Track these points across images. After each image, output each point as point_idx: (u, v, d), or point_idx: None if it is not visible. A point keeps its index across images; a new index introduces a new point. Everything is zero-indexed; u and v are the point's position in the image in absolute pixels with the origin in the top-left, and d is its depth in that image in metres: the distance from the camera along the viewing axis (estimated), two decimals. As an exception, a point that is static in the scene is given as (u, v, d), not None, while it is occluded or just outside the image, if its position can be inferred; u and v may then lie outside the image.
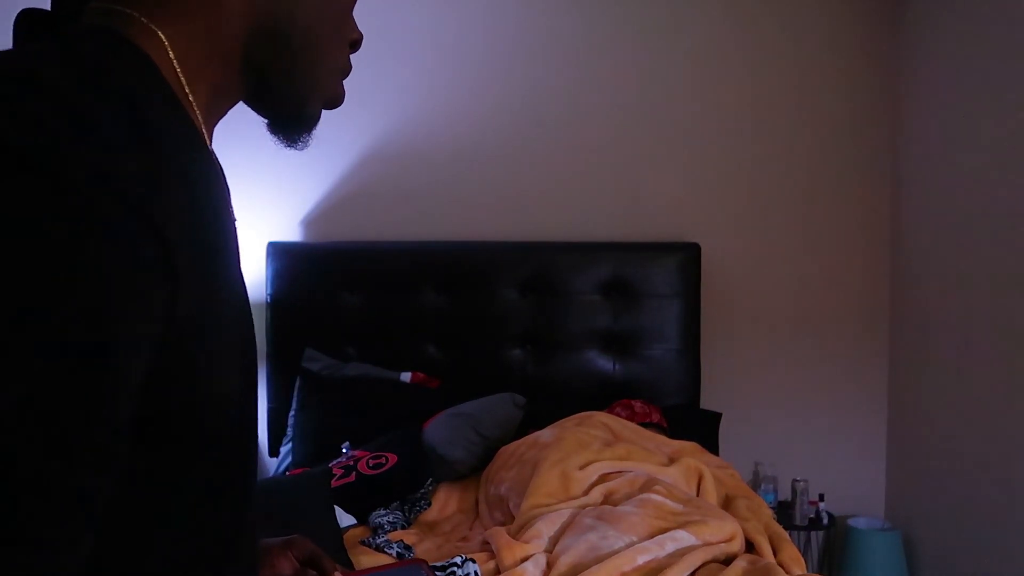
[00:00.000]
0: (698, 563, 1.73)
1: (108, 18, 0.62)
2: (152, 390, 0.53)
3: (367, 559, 1.95)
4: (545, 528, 1.87)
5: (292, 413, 2.74)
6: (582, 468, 2.10)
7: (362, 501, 2.26)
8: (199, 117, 0.65)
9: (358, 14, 0.75)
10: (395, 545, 2.00)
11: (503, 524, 2.06)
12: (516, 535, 1.88)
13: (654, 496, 1.92)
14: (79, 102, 0.51)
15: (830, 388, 3.17)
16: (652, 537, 1.78)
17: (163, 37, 0.62)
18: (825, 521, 2.96)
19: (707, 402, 3.04)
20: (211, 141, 0.68)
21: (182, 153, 0.60)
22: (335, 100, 0.74)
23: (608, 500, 2.01)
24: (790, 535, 2.09)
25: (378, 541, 2.04)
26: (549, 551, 1.82)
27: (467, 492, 2.42)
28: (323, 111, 0.73)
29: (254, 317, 0.82)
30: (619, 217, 3.10)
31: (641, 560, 1.71)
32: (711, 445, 2.73)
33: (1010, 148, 2.49)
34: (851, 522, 3.00)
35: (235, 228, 0.67)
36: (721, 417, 2.89)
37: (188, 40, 0.63)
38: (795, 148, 3.13)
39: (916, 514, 2.99)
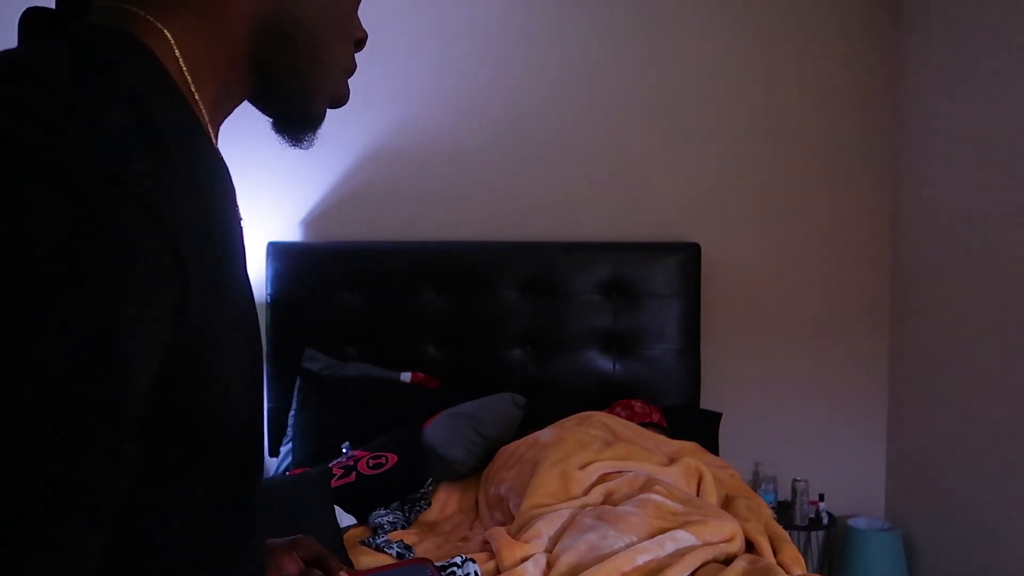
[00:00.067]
0: (698, 563, 1.73)
1: (113, 16, 0.62)
2: (160, 391, 0.52)
3: (367, 559, 1.95)
4: (545, 528, 1.87)
5: (292, 413, 2.74)
6: (582, 468, 2.09)
7: (362, 501, 2.26)
8: (205, 115, 0.65)
9: (360, 14, 0.75)
10: (395, 545, 2.00)
11: (503, 524, 2.06)
12: (516, 535, 1.88)
13: (654, 496, 1.92)
14: (86, 101, 0.51)
15: (830, 388, 3.17)
16: (652, 537, 1.78)
17: (169, 35, 0.62)
18: (825, 521, 2.96)
19: (707, 402, 3.04)
20: (217, 140, 0.68)
21: (189, 152, 0.60)
22: (340, 99, 0.74)
23: (608, 500, 2.01)
24: (790, 535, 2.09)
25: (378, 541, 2.04)
26: (549, 551, 1.82)
27: (467, 492, 2.42)
28: (327, 110, 0.73)
29: (254, 317, 0.82)
30: (619, 217, 3.10)
31: (641, 560, 1.71)
32: (711, 445, 2.73)
33: (1010, 148, 2.48)
34: (851, 522, 3.00)
35: (241, 228, 0.67)
36: (721, 417, 2.89)
37: (194, 38, 0.63)
38: (795, 148, 3.13)
39: (916, 514, 2.99)
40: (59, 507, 0.47)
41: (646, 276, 2.95)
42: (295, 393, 2.75)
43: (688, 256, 2.97)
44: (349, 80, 0.74)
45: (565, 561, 1.73)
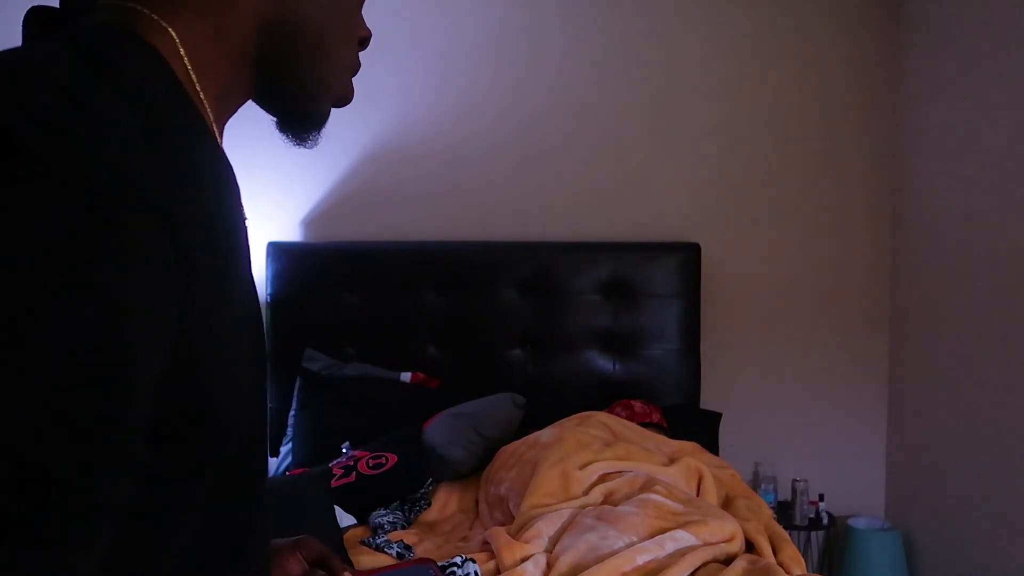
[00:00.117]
0: (698, 563, 1.73)
1: (118, 14, 0.61)
2: (164, 390, 0.52)
3: (367, 559, 1.95)
4: (545, 528, 1.87)
5: (292, 413, 2.74)
6: (582, 468, 2.09)
7: (362, 501, 2.26)
8: (210, 115, 0.65)
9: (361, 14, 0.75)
10: (395, 545, 2.00)
11: (503, 524, 2.06)
12: (516, 535, 1.88)
13: (654, 496, 1.92)
14: (91, 100, 0.51)
15: (830, 388, 3.17)
16: (652, 537, 1.78)
17: (174, 34, 0.62)
18: (825, 521, 2.96)
19: (707, 402, 3.04)
20: (222, 138, 0.68)
21: (194, 151, 0.59)
22: (344, 98, 0.74)
23: (608, 500, 2.01)
24: (790, 535, 2.09)
25: (378, 541, 2.04)
26: (549, 551, 1.82)
27: (467, 492, 2.42)
28: (331, 109, 0.73)
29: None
30: (619, 217, 3.10)
31: (641, 560, 1.71)
32: (711, 445, 2.73)
33: (1011, 146, 2.48)
34: (851, 522, 3.00)
35: (246, 227, 0.67)
36: (721, 417, 2.89)
37: (199, 37, 0.63)
38: (795, 148, 3.13)
39: (916, 514, 2.99)
40: (66, 508, 0.47)
41: (646, 276, 2.95)
42: (295, 393, 2.75)
43: (688, 256, 2.97)
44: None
45: (565, 561, 1.73)
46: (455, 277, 2.93)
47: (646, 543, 1.76)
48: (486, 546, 1.92)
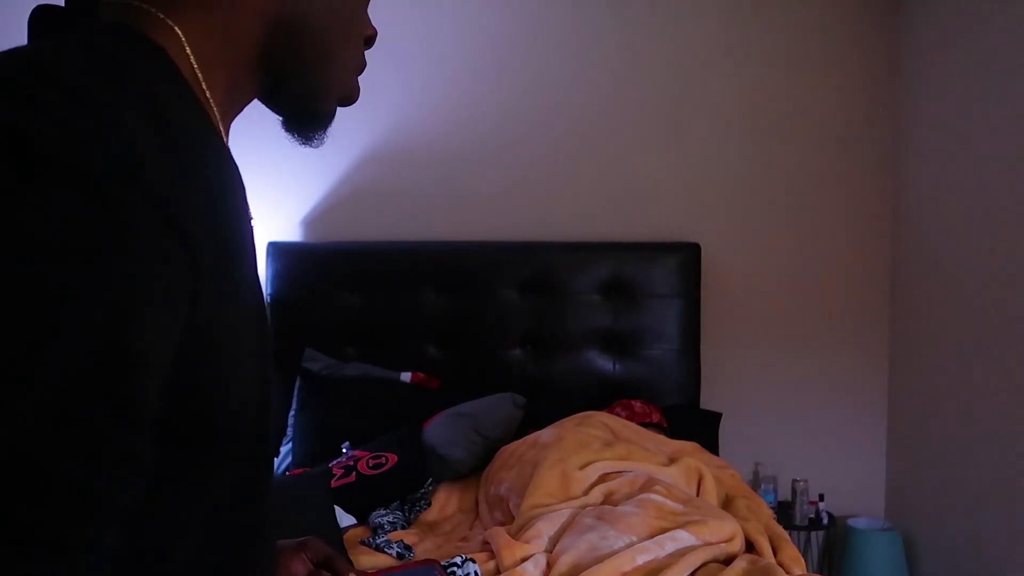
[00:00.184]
0: (698, 563, 1.73)
1: (124, 13, 0.61)
2: (171, 390, 0.52)
3: (367, 559, 1.95)
4: (545, 528, 1.87)
5: (292, 413, 2.74)
6: (582, 468, 2.09)
7: (362, 501, 2.26)
8: (216, 114, 0.65)
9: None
10: (395, 545, 2.00)
11: (503, 524, 2.06)
12: (516, 535, 1.88)
13: (654, 496, 1.92)
14: (100, 99, 0.51)
15: (830, 388, 3.17)
16: (652, 537, 1.78)
17: (180, 32, 0.61)
18: (825, 521, 2.96)
19: (707, 402, 3.04)
20: (228, 138, 0.67)
21: (201, 150, 0.59)
22: (350, 97, 0.74)
23: (608, 500, 2.01)
24: (790, 535, 2.09)
25: (378, 541, 2.04)
26: (549, 551, 1.82)
27: (467, 492, 2.42)
28: (337, 108, 0.73)
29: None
30: (619, 217, 3.10)
31: (641, 560, 1.71)
32: (711, 445, 2.73)
33: (1010, 147, 2.48)
34: (851, 522, 3.00)
35: (252, 228, 0.67)
36: (721, 417, 2.89)
37: (205, 36, 0.63)
38: (795, 148, 3.13)
39: (916, 514, 2.99)
40: (74, 510, 0.46)
41: (646, 276, 2.95)
42: (295, 393, 2.75)
43: (688, 256, 2.97)
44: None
45: (565, 561, 1.73)
46: (455, 277, 2.93)
47: (646, 543, 1.76)
48: (486, 546, 1.92)
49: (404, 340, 2.92)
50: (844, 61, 3.12)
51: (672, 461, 2.23)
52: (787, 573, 1.76)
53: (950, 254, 2.80)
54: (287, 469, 2.61)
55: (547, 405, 2.71)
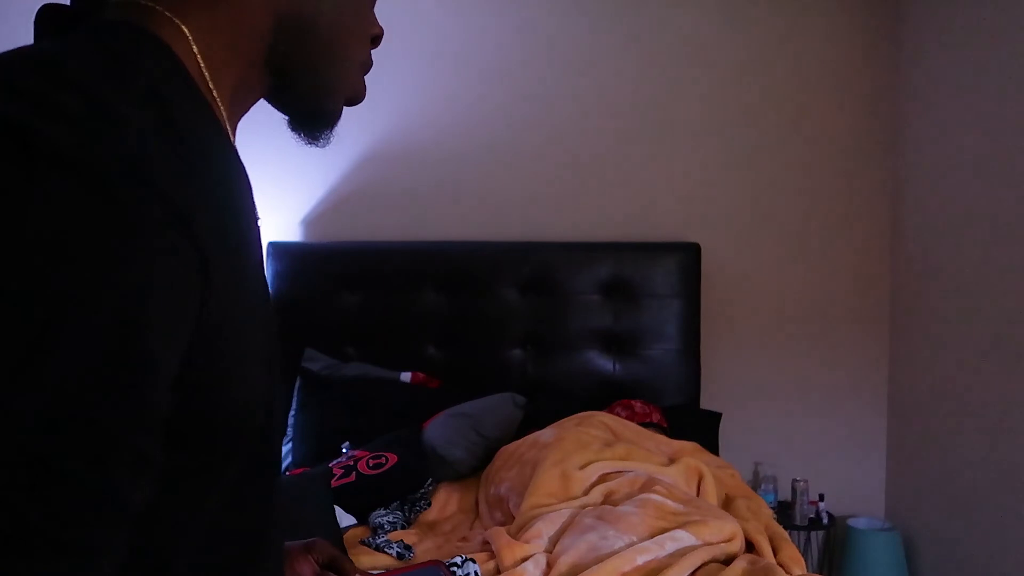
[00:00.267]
0: (698, 563, 1.73)
1: (131, 11, 0.61)
2: (180, 392, 0.52)
3: (367, 559, 1.95)
4: (545, 528, 1.87)
5: (292, 413, 2.74)
6: (582, 468, 2.09)
7: (362, 501, 2.26)
8: (223, 112, 0.64)
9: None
10: (395, 545, 2.00)
11: (503, 524, 2.06)
12: (516, 535, 1.88)
13: (654, 496, 1.92)
14: (108, 97, 0.50)
15: (830, 388, 3.17)
16: (652, 537, 1.78)
17: (187, 31, 0.61)
18: (825, 521, 2.96)
19: (707, 402, 3.04)
20: (234, 137, 0.67)
21: (208, 149, 0.59)
22: (356, 95, 0.73)
23: (608, 500, 2.01)
24: (790, 535, 2.09)
25: (378, 541, 2.04)
26: (549, 551, 1.82)
27: (467, 492, 2.42)
28: (344, 107, 0.73)
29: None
30: (619, 217, 3.10)
31: (641, 560, 1.71)
32: (711, 445, 2.73)
33: (1010, 147, 2.48)
34: (851, 522, 3.00)
35: (258, 227, 0.66)
36: (721, 417, 2.89)
37: (212, 34, 0.62)
38: (795, 148, 3.13)
39: (916, 514, 2.99)
40: (84, 512, 0.46)
41: (646, 276, 2.95)
42: (295, 393, 2.76)
43: (688, 256, 2.97)
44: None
45: (565, 561, 1.73)
46: (455, 277, 2.93)
47: (646, 543, 1.76)
48: (486, 546, 1.92)
49: (404, 340, 2.92)
50: (844, 62, 3.12)
51: (672, 461, 2.23)
52: (787, 573, 1.76)
53: (950, 253, 2.80)
54: (287, 469, 2.61)
55: (547, 405, 2.71)
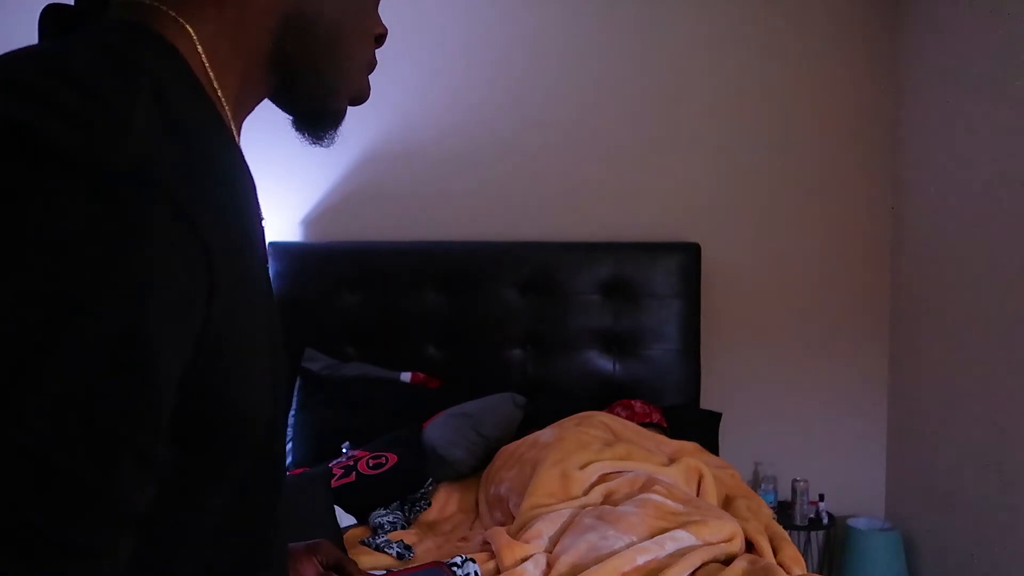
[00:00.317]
0: (698, 563, 1.73)
1: (135, 11, 0.61)
2: (185, 392, 0.52)
3: (367, 559, 1.95)
4: (545, 528, 1.87)
5: (292, 413, 2.74)
6: (582, 468, 2.09)
7: (362, 501, 2.26)
8: (227, 112, 0.64)
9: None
10: (395, 545, 2.00)
11: (503, 524, 2.06)
12: (516, 535, 1.88)
13: (654, 496, 1.92)
14: (113, 97, 0.50)
15: (830, 388, 3.17)
16: (652, 537, 1.78)
17: (191, 30, 0.61)
18: (825, 521, 2.96)
19: (707, 402, 3.04)
20: (239, 136, 0.67)
21: (213, 149, 0.59)
22: (360, 95, 0.74)
23: (608, 500, 2.01)
24: (790, 535, 2.09)
25: (378, 541, 2.04)
26: (549, 551, 1.82)
27: (467, 492, 2.42)
28: (348, 107, 0.73)
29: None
30: (619, 217, 3.10)
31: (641, 560, 1.71)
32: (711, 445, 2.73)
33: (1010, 147, 2.48)
34: (851, 522, 3.00)
35: (262, 227, 0.66)
36: (721, 417, 2.89)
37: (216, 34, 0.62)
38: (795, 148, 3.13)
39: (916, 514, 2.99)
40: (90, 513, 0.46)
41: (646, 276, 2.95)
42: (295, 393, 2.75)
43: (688, 256, 2.97)
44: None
45: (565, 561, 1.73)
46: (455, 277, 2.93)
47: (646, 543, 1.76)
48: (486, 546, 1.92)
49: (404, 340, 2.92)
50: (845, 60, 3.12)
51: (672, 461, 2.23)
52: (787, 573, 1.76)
53: (950, 253, 2.80)
54: (287, 469, 2.61)
55: (547, 405, 2.71)
